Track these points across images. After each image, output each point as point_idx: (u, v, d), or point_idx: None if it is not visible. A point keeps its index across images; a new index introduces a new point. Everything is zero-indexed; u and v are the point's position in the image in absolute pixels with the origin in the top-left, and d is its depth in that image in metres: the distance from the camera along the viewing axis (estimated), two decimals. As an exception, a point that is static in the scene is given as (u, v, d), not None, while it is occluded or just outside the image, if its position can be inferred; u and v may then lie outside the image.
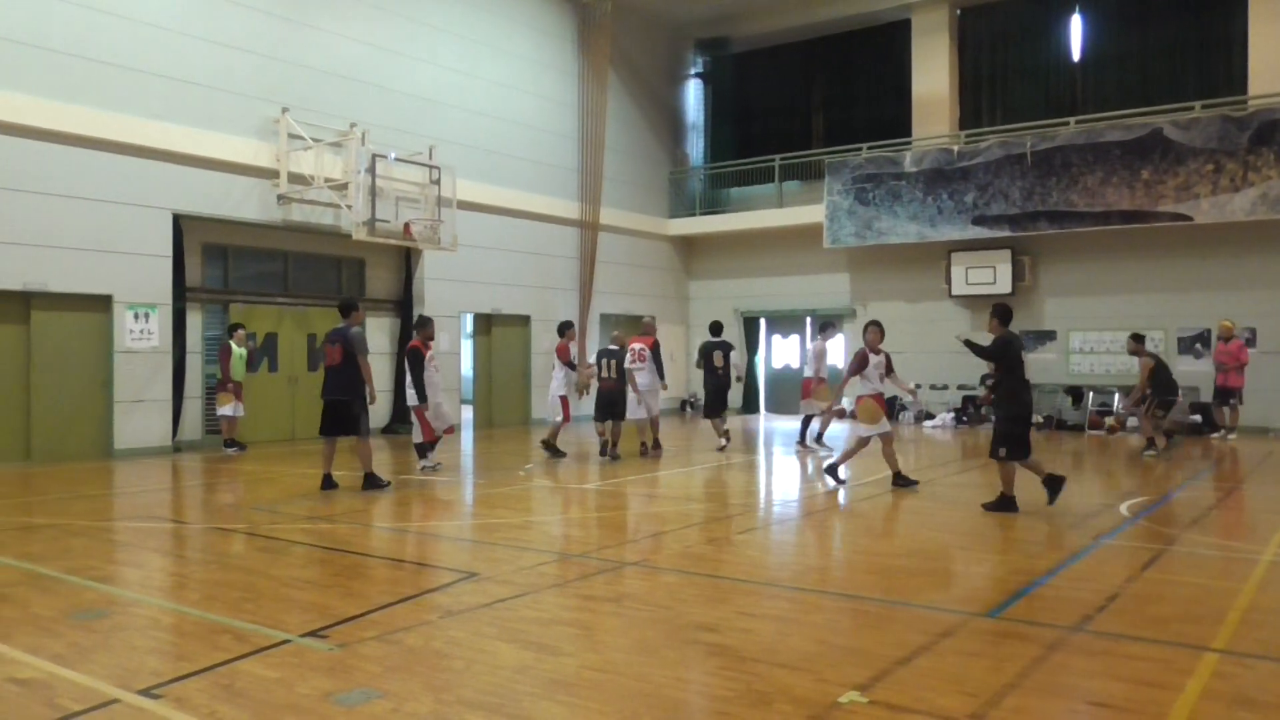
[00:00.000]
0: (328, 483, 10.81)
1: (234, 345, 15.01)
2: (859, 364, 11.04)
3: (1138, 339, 15.43)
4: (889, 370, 11.17)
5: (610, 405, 14.04)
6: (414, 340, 12.56)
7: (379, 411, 17.48)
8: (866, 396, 11.05)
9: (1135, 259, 19.71)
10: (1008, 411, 9.44)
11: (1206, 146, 17.83)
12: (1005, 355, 9.47)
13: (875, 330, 11.27)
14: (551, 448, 14.24)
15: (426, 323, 12.81)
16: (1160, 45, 21.11)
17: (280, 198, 16.15)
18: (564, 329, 14.68)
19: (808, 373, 15.90)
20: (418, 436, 12.62)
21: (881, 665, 4.75)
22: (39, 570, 6.90)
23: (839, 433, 17.11)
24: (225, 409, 15.00)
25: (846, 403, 14.30)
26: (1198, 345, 18.78)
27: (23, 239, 13.34)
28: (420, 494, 10.89)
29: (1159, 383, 14.82)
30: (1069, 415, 19.79)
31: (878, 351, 11.12)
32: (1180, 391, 15.35)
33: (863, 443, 11.16)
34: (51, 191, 13.61)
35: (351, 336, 10.67)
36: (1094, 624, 5.48)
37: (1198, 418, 18.01)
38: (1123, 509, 9.57)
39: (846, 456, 11.36)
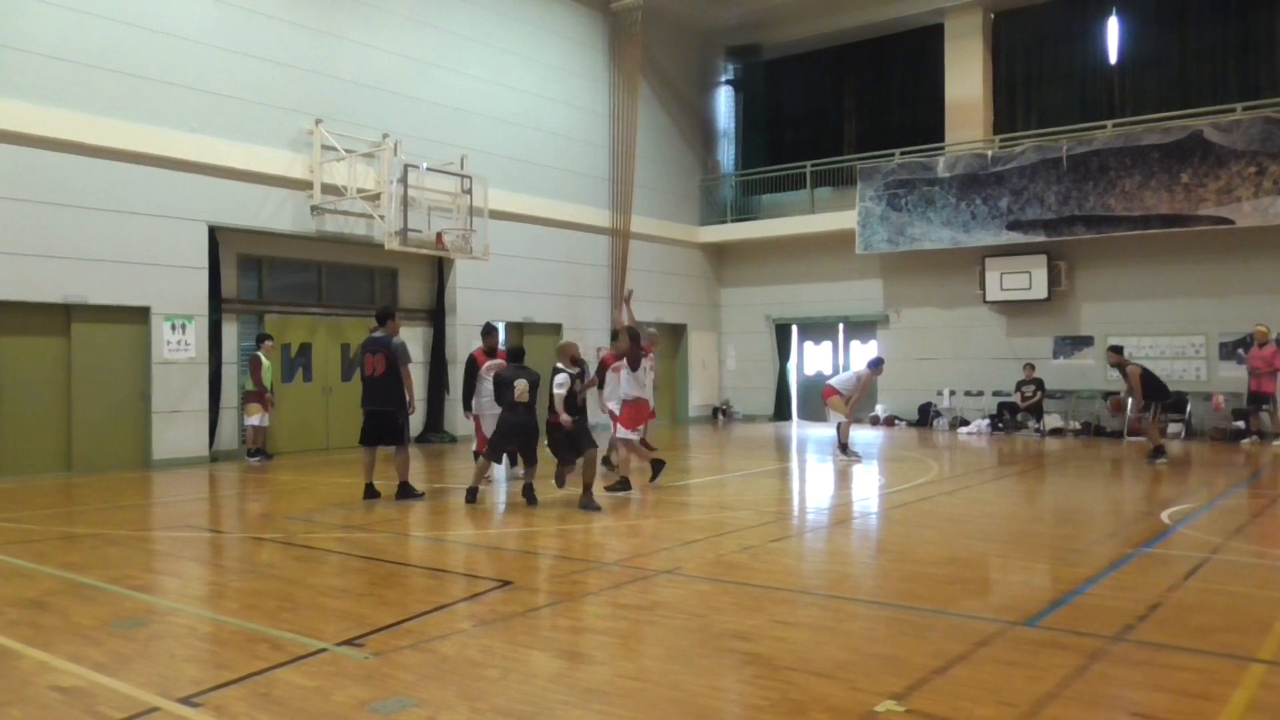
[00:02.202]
0: (370, 492, 10.83)
1: (263, 357, 15.17)
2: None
3: (1116, 350, 15.23)
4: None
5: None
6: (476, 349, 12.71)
7: (414, 421, 17.54)
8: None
9: (1175, 263, 19.45)
10: (497, 427, 10.66)
11: (1249, 149, 17.57)
12: (496, 385, 10.50)
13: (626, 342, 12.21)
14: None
15: (488, 332, 12.79)
16: (1200, 47, 20.86)
17: (314, 209, 16.30)
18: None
19: (839, 387, 15.09)
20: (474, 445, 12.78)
21: (918, 674, 4.70)
22: (79, 579, 6.98)
23: (863, 439, 16.97)
24: (253, 419, 15.18)
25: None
26: (1240, 350, 18.49)
27: (63, 252, 13.54)
28: (453, 503, 10.91)
29: (1151, 387, 14.51)
30: (1107, 422, 19.56)
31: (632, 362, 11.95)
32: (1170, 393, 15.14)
33: (640, 444, 11.95)
34: (90, 205, 13.81)
35: (395, 347, 10.78)
36: (1136, 633, 5.40)
37: (1242, 424, 17.76)
38: (1164, 516, 9.43)
39: (650, 459, 12.03)
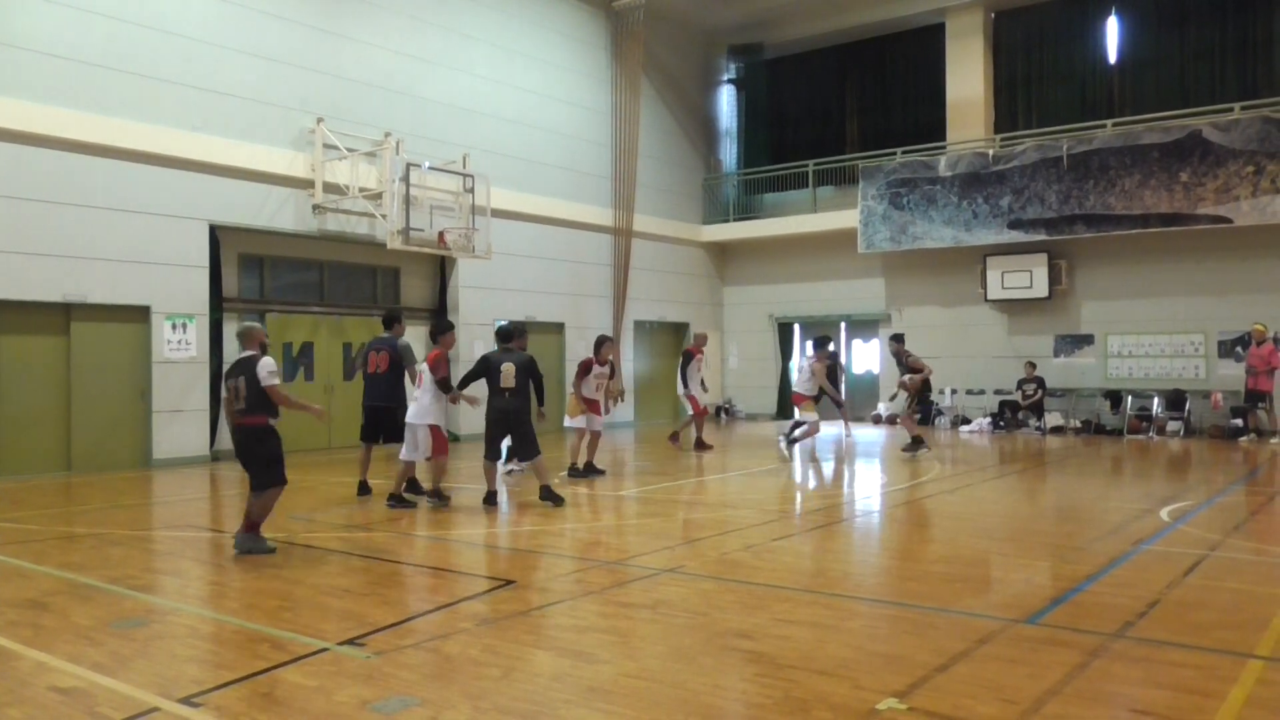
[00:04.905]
0: (364, 489, 10.86)
1: None
2: (583, 371, 12.53)
3: (898, 339, 15.55)
4: (611, 377, 12.98)
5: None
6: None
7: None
8: (581, 397, 12.50)
9: (1174, 262, 19.45)
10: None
11: (1247, 148, 17.57)
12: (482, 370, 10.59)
13: (609, 345, 12.74)
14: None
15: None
16: (1199, 46, 20.86)
17: (315, 207, 16.29)
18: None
19: (800, 390, 14.78)
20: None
21: (920, 672, 4.70)
22: (79, 579, 6.99)
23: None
24: None
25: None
26: (1238, 349, 18.50)
27: (63, 251, 13.54)
28: (456, 503, 10.89)
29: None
30: (1107, 420, 19.57)
31: (604, 363, 12.52)
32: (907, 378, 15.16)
33: (579, 434, 12.66)
34: (91, 204, 13.81)
35: (401, 348, 11.00)
36: (1135, 630, 5.40)
37: (1240, 421, 17.76)
38: (1163, 514, 9.43)
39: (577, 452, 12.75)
